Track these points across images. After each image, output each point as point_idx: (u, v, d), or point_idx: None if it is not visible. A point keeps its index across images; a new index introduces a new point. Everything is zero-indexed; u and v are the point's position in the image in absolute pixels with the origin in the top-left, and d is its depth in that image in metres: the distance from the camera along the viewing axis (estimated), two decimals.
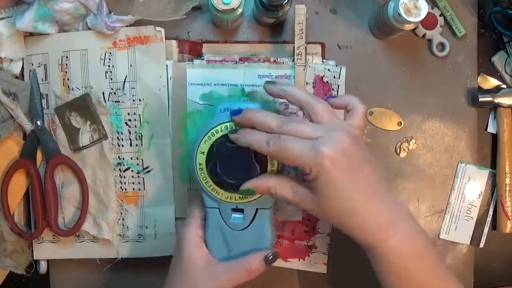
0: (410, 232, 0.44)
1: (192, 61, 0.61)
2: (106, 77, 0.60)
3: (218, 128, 0.46)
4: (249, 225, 0.49)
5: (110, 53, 0.60)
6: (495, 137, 0.65)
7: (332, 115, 0.45)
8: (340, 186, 0.42)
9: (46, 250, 0.62)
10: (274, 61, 0.60)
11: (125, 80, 0.60)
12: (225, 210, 0.49)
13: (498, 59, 0.65)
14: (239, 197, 0.48)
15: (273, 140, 0.43)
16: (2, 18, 0.58)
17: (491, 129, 0.65)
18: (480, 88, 0.65)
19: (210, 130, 0.46)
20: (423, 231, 0.45)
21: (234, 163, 0.45)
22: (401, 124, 0.64)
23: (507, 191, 0.63)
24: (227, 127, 0.45)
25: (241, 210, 0.49)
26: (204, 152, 0.46)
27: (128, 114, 0.60)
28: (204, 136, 0.46)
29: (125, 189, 0.61)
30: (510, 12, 0.61)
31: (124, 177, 0.61)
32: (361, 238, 0.44)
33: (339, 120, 0.46)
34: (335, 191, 0.42)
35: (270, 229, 0.50)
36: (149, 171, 0.60)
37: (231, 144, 0.45)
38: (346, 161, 0.42)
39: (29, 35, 0.60)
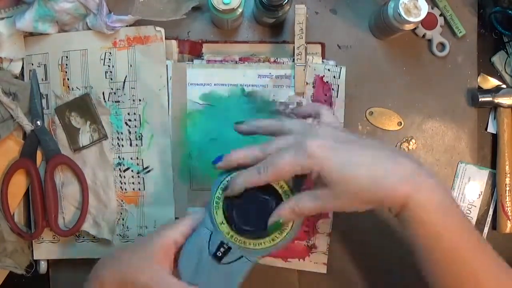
0: (435, 184, 0.41)
1: (192, 61, 0.61)
2: (106, 77, 0.60)
3: (220, 190, 0.46)
4: (226, 264, 0.47)
5: (110, 53, 0.60)
6: (495, 137, 0.65)
7: (303, 123, 0.46)
8: (345, 163, 0.41)
9: (46, 250, 0.62)
10: (274, 61, 0.60)
11: (125, 80, 0.60)
12: (215, 239, 0.47)
13: (498, 59, 0.64)
14: (244, 241, 0.46)
15: (262, 165, 0.43)
16: (2, 18, 0.58)
17: (491, 129, 0.65)
18: (480, 88, 0.65)
19: (214, 196, 0.46)
20: (443, 185, 0.43)
21: (251, 212, 0.45)
22: (401, 124, 0.64)
23: (507, 191, 0.63)
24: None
25: (228, 248, 0.47)
26: (221, 219, 0.46)
27: (128, 114, 0.60)
28: (213, 205, 0.46)
29: (125, 189, 0.61)
30: (510, 12, 0.61)
31: (124, 177, 0.61)
32: (389, 201, 0.41)
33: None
34: (343, 171, 0.41)
35: (240, 279, 0.48)
36: (149, 171, 0.60)
37: (238, 200, 0.45)
38: (334, 140, 0.42)
39: (29, 35, 0.60)
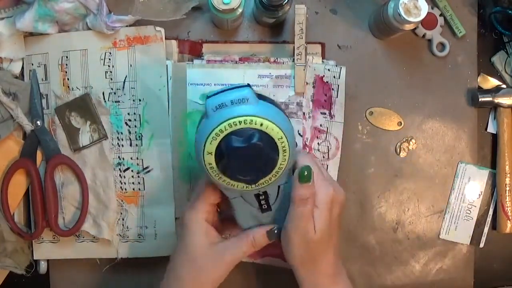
0: (348, 285, 0.52)
1: (192, 61, 0.61)
2: (106, 77, 0.60)
3: (222, 127, 0.44)
4: (275, 202, 0.49)
5: (110, 53, 0.60)
6: (495, 137, 0.65)
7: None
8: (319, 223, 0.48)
9: (46, 250, 0.62)
10: (274, 61, 0.60)
11: (125, 80, 0.60)
12: (249, 197, 0.49)
13: (498, 59, 0.64)
14: (260, 183, 0.47)
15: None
16: (2, 18, 0.58)
17: (491, 129, 0.65)
18: (480, 88, 0.65)
19: (214, 130, 0.44)
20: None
21: (245, 159, 0.44)
22: (401, 124, 0.64)
23: (507, 191, 0.63)
24: (230, 125, 0.44)
25: (265, 193, 0.49)
26: (211, 152, 0.45)
27: (128, 114, 0.60)
28: (208, 137, 0.44)
29: (125, 189, 0.61)
30: (510, 12, 0.61)
31: (124, 177, 0.61)
32: (311, 279, 0.50)
33: None
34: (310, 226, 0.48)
35: None
36: (149, 171, 0.60)
37: (239, 143, 0.43)
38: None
39: (29, 35, 0.60)
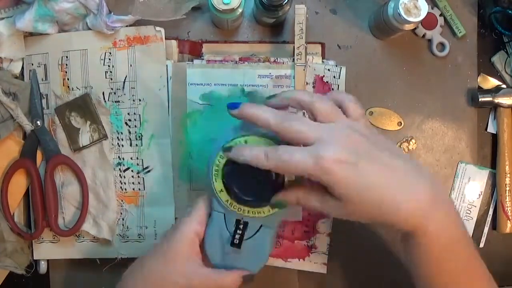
0: (448, 216, 0.41)
1: (192, 61, 0.61)
2: (106, 77, 0.60)
3: (237, 141, 0.44)
4: (249, 238, 0.48)
5: (110, 53, 0.60)
6: (495, 137, 0.65)
7: (335, 112, 0.43)
8: (361, 183, 0.39)
9: (46, 250, 0.62)
10: (274, 61, 0.60)
11: (125, 80, 0.60)
12: (230, 218, 0.48)
13: (498, 59, 0.64)
14: (248, 210, 0.47)
15: (271, 153, 0.40)
16: (2, 18, 0.58)
17: (491, 129, 0.65)
18: (480, 88, 0.65)
19: (213, 165, 0.45)
20: (458, 213, 0.42)
21: (251, 179, 0.44)
22: (401, 124, 0.64)
23: (507, 191, 0.63)
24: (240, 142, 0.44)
25: (245, 223, 0.47)
26: (218, 168, 0.45)
27: (128, 114, 0.60)
28: (213, 173, 0.45)
29: (125, 189, 0.61)
30: (510, 12, 0.61)
31: (124, 177, 0.61)
32: (398, 227, 0.41)
33: (342, 117, 0.43)
34: (358, 192, 0.39)
35: (269, 247, 0.49)
36: (149, 171, 0.60)
37: (238, 168, 0.44)
38: (353, 155, 0.39)
39: (29, 35, 0.60)
